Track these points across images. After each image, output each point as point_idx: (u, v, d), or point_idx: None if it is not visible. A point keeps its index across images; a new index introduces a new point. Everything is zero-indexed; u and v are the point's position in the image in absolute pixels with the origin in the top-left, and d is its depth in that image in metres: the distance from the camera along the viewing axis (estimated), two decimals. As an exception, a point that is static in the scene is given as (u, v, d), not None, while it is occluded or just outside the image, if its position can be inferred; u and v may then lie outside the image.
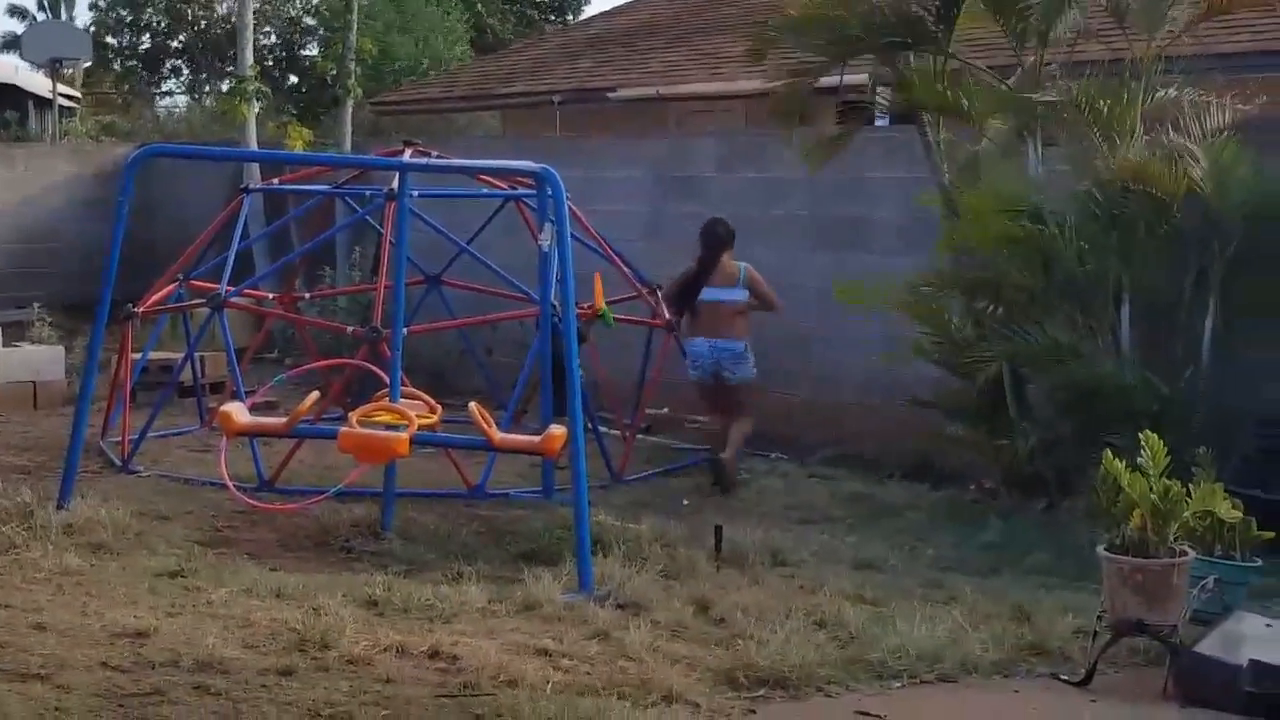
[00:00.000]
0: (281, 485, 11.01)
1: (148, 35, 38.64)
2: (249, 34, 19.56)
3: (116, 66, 39.62)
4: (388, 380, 10.19)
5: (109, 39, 38.61)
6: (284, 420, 10.07)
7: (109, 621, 7.71)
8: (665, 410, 13.96)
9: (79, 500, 10.05)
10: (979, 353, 10.80)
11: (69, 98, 36.30)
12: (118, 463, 11.96)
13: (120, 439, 12.17)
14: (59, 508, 9.89)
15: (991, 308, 11.03)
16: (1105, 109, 10.48)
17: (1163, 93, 10.67)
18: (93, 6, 39.57)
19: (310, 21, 36.16)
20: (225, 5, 36.26)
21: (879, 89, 12.77)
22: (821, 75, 11.87)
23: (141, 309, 12.64)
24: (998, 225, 10.55)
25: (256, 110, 19.36)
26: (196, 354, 13.90)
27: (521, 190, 12.74)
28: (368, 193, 13.82)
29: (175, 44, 38.89)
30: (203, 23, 37.40)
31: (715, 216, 12.61)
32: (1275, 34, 14.29)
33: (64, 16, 43.15)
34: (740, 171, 14.33)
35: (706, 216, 12.75)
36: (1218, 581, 7.91)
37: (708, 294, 12.26)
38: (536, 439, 9.82)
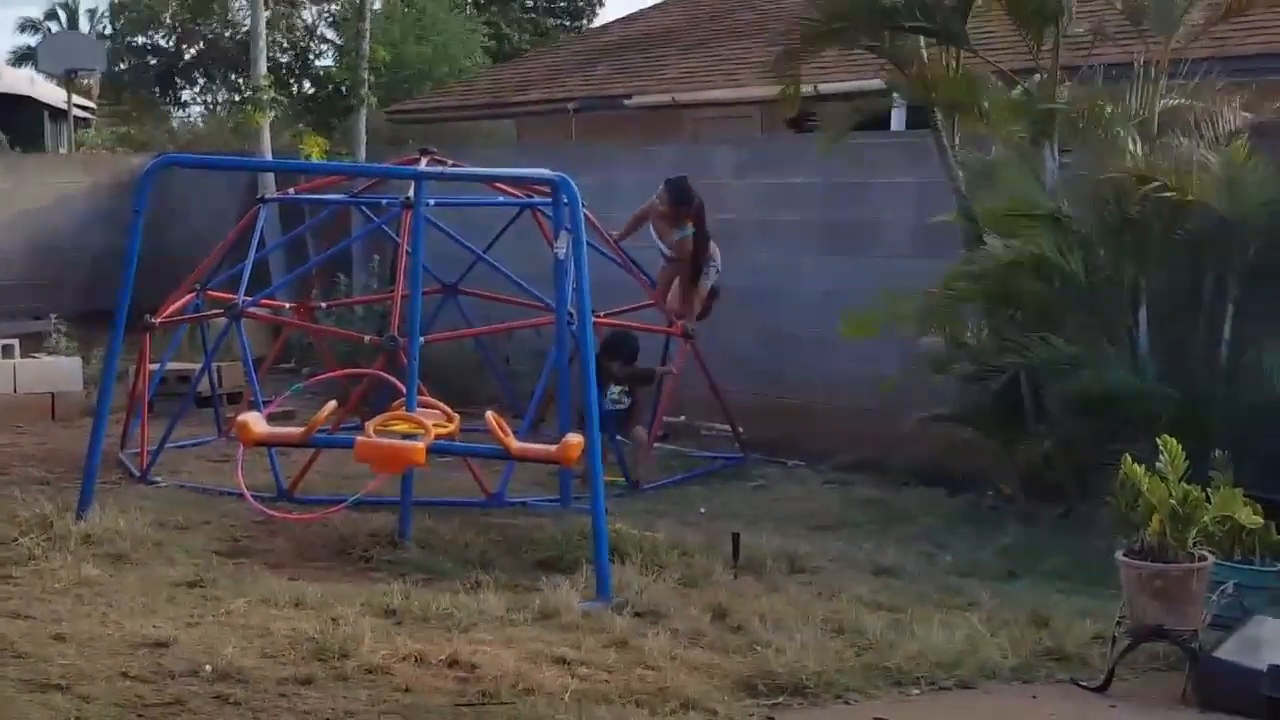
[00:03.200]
0: (299, 495, 11.02)
1: (162, 41, 38.87)
2: (262, 43, 19.62)
3: (128, 79, 39.80)
4: (404, 389, 10.21)
5: (121, 64, 38.81)
6: (301, 430, 10.06)
7: (128, 632, 7.71)
8: (682, 418, 13.95)
9: (98, 511, 10.04)
10: (996, 361, 10.74)
11: (84, 108, 36.39)
12: (136, 473, 11.96)
13: (139, 449, 12.19)
14: (78, 518, 9.89)
15: (1011, 313, 10.99)
16: (1120, 112, 10.46)
17: (1172, 100, 10.62)
18: (108, 23, 39.79)
19: (330, 35, 36.35)
20: (237, 12, 36.47)
21: (893, 93, 12.78)
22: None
23: (159, 319, 12.65)
24: (1014, 232, 10.53)
25: (271, 119, 19.39)
26: (214, 364, 13.89)
27: (537, 198, 12.74)
28: (384, 201, 13.83)
29: (188, 57, 39.08)
30: (210, 36, 37.59)
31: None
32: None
33: (79, 28, 43.30)
34: (755, 177, 14.33)
35: (722, 222, 12.90)
36: (1237, 586, 7.89)
37: None
38: (554, 448, 9.80)
